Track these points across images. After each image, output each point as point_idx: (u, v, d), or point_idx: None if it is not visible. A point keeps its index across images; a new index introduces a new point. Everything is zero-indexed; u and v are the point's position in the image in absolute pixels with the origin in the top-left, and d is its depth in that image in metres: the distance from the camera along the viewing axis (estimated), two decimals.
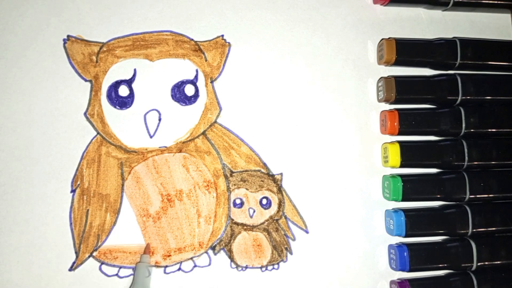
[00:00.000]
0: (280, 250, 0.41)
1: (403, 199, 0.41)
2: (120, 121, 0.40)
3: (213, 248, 0.40)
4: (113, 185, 0.40)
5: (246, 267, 0.40)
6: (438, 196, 0.41)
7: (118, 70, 0.41)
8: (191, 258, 0.40)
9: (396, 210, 0.41)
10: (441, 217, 0.41)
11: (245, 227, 0.41)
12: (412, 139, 0.42)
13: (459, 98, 0.42)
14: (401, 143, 0.41)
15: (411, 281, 0.40)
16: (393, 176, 0.41)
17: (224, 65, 0.42)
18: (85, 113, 0.40)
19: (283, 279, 0.41)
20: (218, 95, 0.42)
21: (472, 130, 0.42)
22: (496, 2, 0.44)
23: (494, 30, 0.46)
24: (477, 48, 0.43)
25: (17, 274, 0.38)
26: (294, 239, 0.41)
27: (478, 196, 0.41)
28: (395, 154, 0.41)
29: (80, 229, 0.39)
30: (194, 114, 0.41)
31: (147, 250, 0.39)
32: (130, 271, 0.39)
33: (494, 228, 0.41)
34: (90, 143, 0.40)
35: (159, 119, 0.41)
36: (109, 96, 0.40)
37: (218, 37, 0.42)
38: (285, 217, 0.41)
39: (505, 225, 0.41)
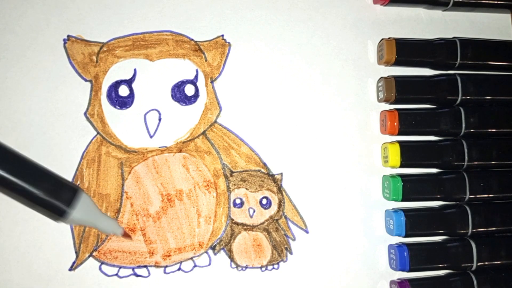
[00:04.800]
0: (280, 250, 0.41)
1: (403, 199, 0.41)
2: (120, 121, 0.40)
3: (213, 248, 0.40)
4: (113, 185, 0.40)
5: (246, 267, 0.40)
6: (438, 196, 0.41)
7: (118, 70, 0.41)
8: (191, 258, 0.40)
9: (396, 210, 0.41)
10: (441, 217, 0.41)
11: (245, 227, 0.41)
12: (412, 139, 0.42)
13: (459, 98, 0.42)
14: (401, 143, 0.41)
15: (411, 281, 0.40)
16: (393, 176, 0.41)
17: (224, 65, 0.42)
18: (85, 113, 0.40)
19: (283, 279, 0.41)
20: (218, 95, 0.42)
21: (472, 130, 0.42)
22: (496, 2, 0.44)
23: (494, 30, 0.46)
24: (477, 48, 0.43)
25: (17, 274, 0.38)
26: (294, 239, 0.41)
27: (478, 196, 0.41)
28: (395, 154, 0.41)
29: (80, 229, 0.39)
30: (194, 114, 0.41)
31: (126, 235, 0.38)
32: (130, 271, 0.39)
33: (494, 228, 0.41)
34: (90, 143, 0.40)
35: (159, 119, 0.41)
36: (109, 96, 0.40)
37: (218, 37, 0.42)
38: (285, 217, 0.41)
39: (505, 225, 0.41)
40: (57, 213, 0.34)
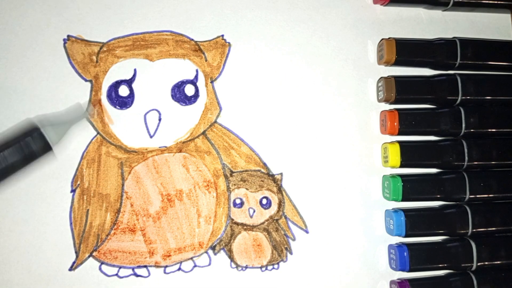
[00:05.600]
0: (280, 250, 0.41)
1: (403, 199, 0.41)
2: (120, 121, 0.40)
3: (213, 248, 0.40)
4: (113, 185, 0.40)
5: (246, 267, 0.40)
6: (438, 196, 0.41)
7: (118, 70, 0.41)
8: (191, 258, 0.40)
9: (396, 210, 0.41)
10: (441, 217, 0.41)
11: (245, 227, 0.41)
12: (412, 139, 0.42)
13: (459, 98, 0.42)
14: (401, 143, 0.41)
15: (411, 281, 0.40)
16: (393, 176, 0.41)
17: (224, 65, 0.42)
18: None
19: (283, 279, 0.41)
20: (218, 95, 0.42)
21: (472, 130, 0.42)
22: (496, 2, 0.44)
23: (494, 30, 0.46)
24: (477, 48, 0.43)
25: (17, 274, 0.38)
26: (294, 239, 0.41)
27: (478, 196, 0.41)
28: (395, 154, 0.41)
29: (80, 229, 0.39)
30: (194, 114, 0.41)
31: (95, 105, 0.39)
32: (130, 271, 0.39)
33: (494, 228, 0.41)
34: (90, 143, 0.40)
35: (159, 119, 0.41)
36: (109, 96, 0.40)
37: (218, 37, 0.42)
38: (285, 217, 0.41)
39: (505, 225, 0.41)
40: (45, 153, 0.36)
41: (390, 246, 0.41)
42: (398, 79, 0.41)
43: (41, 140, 0.35)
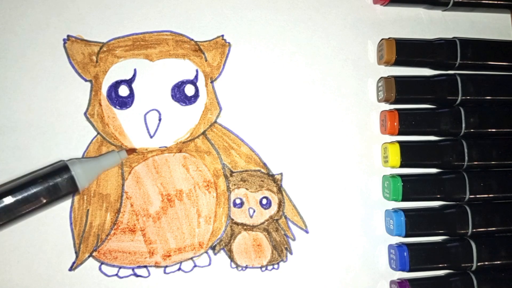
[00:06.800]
0: (280, 250, 0.41)
1: (403, 199, 0.41)
2: (120, 121, 0.40)
3: (213, 248, 0.40)
4: (113, 185, 0.40)
5: (246, 267, 0.40)
6: (438, 196, 0.41)
7: (118, 70, 0.41)
8: (191, 258, 0.40)
9: (396, 210, 0.41)
10: (441, 217, 0.41)
11: (245, 227, 0.41)
12: (412, 139, 0.42)
13: (459, 98, 0.42)
14: (401, 143, 0.41)
15: (411, 281, 0.40)
16: (393, 176, 0.41)
17: (224, 65, 0.42)
18: (85, 113, 0.40)
19: (283, 279, 0.41)
20: (218, 95, 0.42)
21: (472, 130, 0.42)
22: (496, 2, 0.44)
23: (494, 30, 0.46)
24: (477, 48, 0.43)
25: (17, 274, 0.38)
26: (294, 239, 0.41)
27: (478, 196, 0.41)
28: (395, 154, 0.41)
29: (80, 229, 0.39)
30: (194, 114, 0.41)
31: (130, 151, 0.40)
32: (130, 271, 0.39)
33: (494, 228, 0.41)
34: (90, 143, 0.40)
35: (159, 119, 0.41)
36: (109, 96, 0.40)
37: (218, 37, 0.42)
38: (285, 217, 0.41)
39: (505, 225, 0.41)
40: (72, 192, 0.36)
41: (390, 246, 0.41)
42: (398, 79, 0.41)
43: (69, 178, 0.36)
